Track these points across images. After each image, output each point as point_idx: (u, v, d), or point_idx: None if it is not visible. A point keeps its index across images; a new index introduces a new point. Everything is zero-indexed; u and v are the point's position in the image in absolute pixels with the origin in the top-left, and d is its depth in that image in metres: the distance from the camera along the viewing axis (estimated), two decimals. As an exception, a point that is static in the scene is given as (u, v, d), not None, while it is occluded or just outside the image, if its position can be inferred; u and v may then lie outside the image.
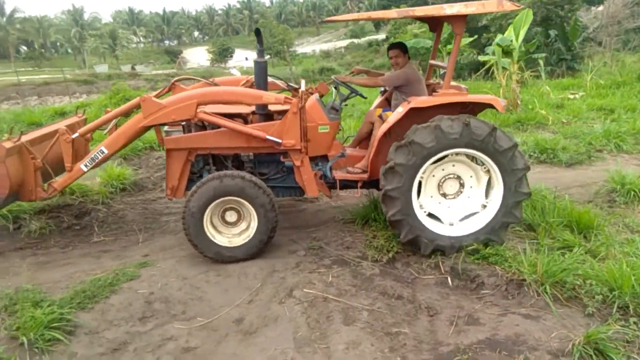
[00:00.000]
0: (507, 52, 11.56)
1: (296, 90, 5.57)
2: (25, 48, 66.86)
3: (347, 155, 5.16)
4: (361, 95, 5.33)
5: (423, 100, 4.56)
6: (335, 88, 5.16)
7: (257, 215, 4.57)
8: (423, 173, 4.44)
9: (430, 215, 4.68)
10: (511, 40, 11.32)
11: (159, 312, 3.83)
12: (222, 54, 46.43)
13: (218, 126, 4.72)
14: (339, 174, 5.07)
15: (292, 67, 27.61)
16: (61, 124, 5.27)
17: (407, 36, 25.07)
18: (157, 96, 5.29)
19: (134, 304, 3.89)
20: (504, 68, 11.74)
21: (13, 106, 23.26)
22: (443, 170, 4.63)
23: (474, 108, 4.85)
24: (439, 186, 4.67)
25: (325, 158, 5.09)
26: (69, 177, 4.79)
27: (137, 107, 4.74)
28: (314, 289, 4.11)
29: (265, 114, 4.95)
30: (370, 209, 5.36)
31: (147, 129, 4.81)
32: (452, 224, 4.66)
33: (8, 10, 60.00)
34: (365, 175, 5.03)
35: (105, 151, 4.70)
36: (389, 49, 5.40)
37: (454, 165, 4.62)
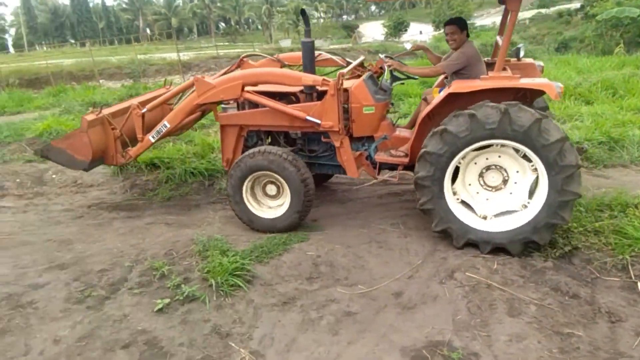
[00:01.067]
0: None
1: (358, 67, 5.43)
2: (223, 25, 75.14)
3: (390, 137, 4.91)
4: (413, 78, 5.02)
5: (463, 85, 4.16)
6: (388, 67, 4.89)
7: (289, 190, 4.70)
8: (462, 158, 4.15)
9: (467, 205, 4.34)
10: None
11: (324, 275, 4.08)
12: (397, 28, 46.09)
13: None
14: (380, 156, 4.86)
15: (469, 40, 26.23)
16: (145, 97, 5.84)
17: (609, 4, 21.83)
18: (228, 72, 5.69)
19: (303, 264, 4.21)
20: None
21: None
22: (487, 159, 4.24)
23: (531, 94, 4.25)
24: (481, 175, 4.30)
25: (372, 139, 4.92)
26: (141, 147, 5.37)
27: (192, 86, 5.10)
28: (477, 274, 3.96)
29: (311, 94, 4.85)
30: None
31: (201, 105, 5.12)
32: (485, 217, 4.30)
33: (211, -10, 67.85)
34: (406, 160, 4.73)
35: (168, 125, 5.17)
36: (445, 24, 4.82)
37: (500, 156, 4.20)
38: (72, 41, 67.86)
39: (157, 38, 60.05)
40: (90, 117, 5.20)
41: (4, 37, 71.86)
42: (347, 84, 4.82)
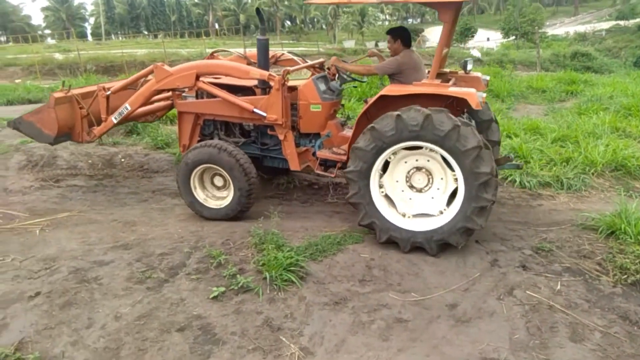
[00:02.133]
0: None
1: (316, 67, 5.78)
2: (289, 23, 76.18)
3: (334, 136, 5.17)
4: (360, 80, 5.49)
5: (394, 89, 4.50)
6: (337, 70, 5.25)
7: (231, 182, 5.02)
8: (393, 154, 4.39)
9: (390, 202, 4.57)
10: None
11: (377, 279, 4.04)
12: (464, 34, 44.94)
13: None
14: (321, 153, 5.12)
15: (539, 50, 25.14)
16: (114, 83, 6.07)
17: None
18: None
19: (356, 266, 4.18)
20: None
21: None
22: (417, 161, 4.46)
23: (459, 102, 4.46)
24: (408, 175, 4.52)
25: (319, 136, 5.20)
26: (104, 127, 5.65)
27: (151, 72, 5.42)
28: (539, 293, 3.79)
29: (265, 89, 5.08)
30: (620, 218, 4.63)
31: (160, 91, 5.49)
32: (404, 215, 4.50)
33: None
34: (344, 157, 4.93)
35: (129, 107, 5.45)
36: (386, 33, 5.11)
37: (428, 161, 4.42)
38: (146, 32, 71.03)
39: (224, 33, 61.69)
40: (58, 94, 5.52)
41: (84, 26, 76.22)
42: (298, 82, 5.21)
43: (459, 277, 4.08)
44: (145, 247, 4.39)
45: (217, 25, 74.51)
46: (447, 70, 5.30)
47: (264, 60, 5.36)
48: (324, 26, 78.11)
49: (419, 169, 4.47)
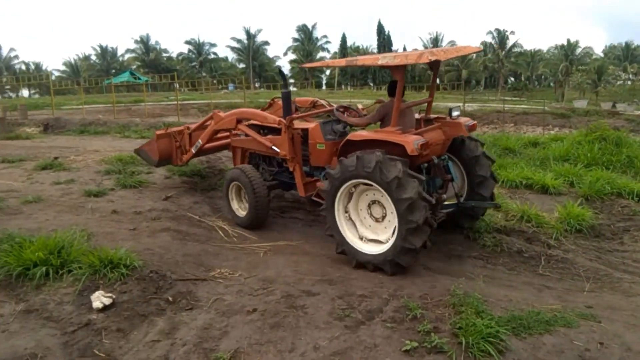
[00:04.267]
0: None
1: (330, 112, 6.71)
2: (512, 79, 73.26)
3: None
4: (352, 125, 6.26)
5: (355, 134, 5.45)
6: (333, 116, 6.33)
7: (247, 195, 6.40)
8: (354, 187, 5.30)
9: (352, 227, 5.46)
10: None
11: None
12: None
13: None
14: (321, 184, 5.71)
15: None
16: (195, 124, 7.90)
17: None
18: (264, 110, 7.37)
19: (567, 354, 3.70)
20: None
21: (491, 130, 25.97)
22: (374, 195, 5.25)
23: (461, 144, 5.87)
24: (369, 206, 5.37)
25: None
26: (188, 155, 7.69)
27: (212, 117, 7.33)
28: None
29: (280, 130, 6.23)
30: None
31: (218, 131, 7.30)
32: (362, 238, 5.35)
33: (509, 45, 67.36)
34: None
35: (201, 142, 7.37)
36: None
37: (382, 196, 5.06)
38: (371, 84, 76.36)
39: (445, 87, 62.57)
40: (159, 132, 7.92)
41: (321, 77, 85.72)
42: (310, 125, 6.24)
43: None
44: (347, 286, 4.65)
45: (438, 80, 75.92)
46: (434, 116, 6.21)
47: (287, 107, 6.35)
48: (551, 84, 72.98)
49: (375, 201, 5.29)
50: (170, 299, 4.38)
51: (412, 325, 3.97)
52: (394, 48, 79.34)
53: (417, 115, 6.20)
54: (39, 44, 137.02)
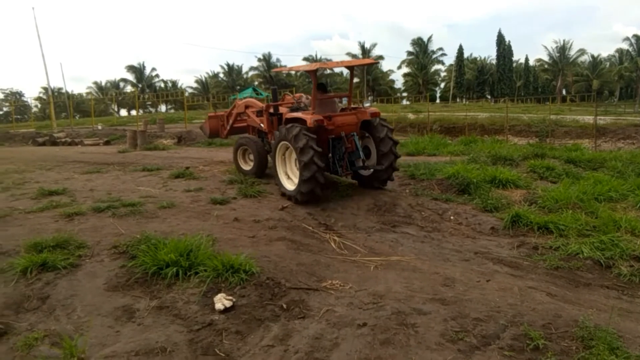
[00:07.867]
0: None
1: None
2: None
3: None
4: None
5: (287, 114, 8.88)
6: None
7: (253, 156, 9.95)
8: (287, 149, 8.55)
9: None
10: None
11: None
12: None
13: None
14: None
15: None
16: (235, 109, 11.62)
17: None
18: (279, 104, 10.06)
19: None
20: None
21: (628, 146, 23.39)
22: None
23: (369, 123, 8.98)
24: (295, 160, 8.35)
25: None
26: (226, 131, 11.62)
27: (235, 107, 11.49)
28: None
29: (274, 113, 9.47)
30: None
31: (239, 115, 11.16)
32: (289, 179, 8.65)
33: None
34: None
35: (230, 122, 11.34)
36: None
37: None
38: (489, 97, 73.13)
39: (572, 99, 57.76)
40: (210, 114, 12.24)
41: (435, 90, 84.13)
42: (283, 110, 9.54)
43: None
44: (461, 307, 4.46)
45: (564, 91, 70.41)
46: (355, 106, 9.45)
47: (274, 100, 9.70)
48: None
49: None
50: (285, 306, 4.54)
51: (534, 356, 3.69)
52: (514, 58, 75.48)
53: (343, 106, 9.22)
54: (174, 64, 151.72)
